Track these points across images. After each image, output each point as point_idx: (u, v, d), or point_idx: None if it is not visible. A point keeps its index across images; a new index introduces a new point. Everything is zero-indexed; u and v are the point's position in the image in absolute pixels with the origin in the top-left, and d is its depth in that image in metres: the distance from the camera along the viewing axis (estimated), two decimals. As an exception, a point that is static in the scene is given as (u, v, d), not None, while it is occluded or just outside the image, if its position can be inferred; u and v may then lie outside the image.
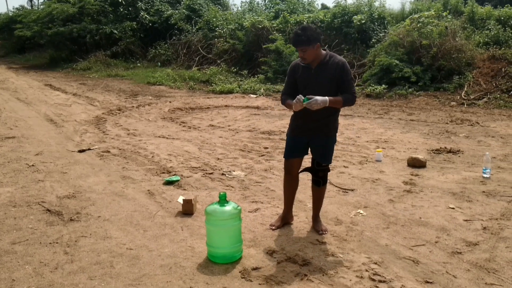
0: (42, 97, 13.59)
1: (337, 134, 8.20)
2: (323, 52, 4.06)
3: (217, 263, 3.70)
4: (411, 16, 14.73)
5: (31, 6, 39.94)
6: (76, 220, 4.60)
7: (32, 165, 6.49)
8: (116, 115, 10.78)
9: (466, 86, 11.94)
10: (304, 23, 16.95)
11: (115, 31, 22.14)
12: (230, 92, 14.24)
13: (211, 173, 6.10)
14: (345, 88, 4.01)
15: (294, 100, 3.93)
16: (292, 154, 4.26)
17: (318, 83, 4.01)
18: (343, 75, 3.98)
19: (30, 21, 24.28)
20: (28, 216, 4.69)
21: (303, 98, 3.85)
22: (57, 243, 4.09)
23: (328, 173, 4.34)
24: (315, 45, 3.90)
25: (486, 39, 13.56)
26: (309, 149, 4.25)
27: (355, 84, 3.89)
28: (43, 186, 5.64)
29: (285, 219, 4.45)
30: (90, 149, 7.44)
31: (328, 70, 4.00)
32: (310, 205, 4.90)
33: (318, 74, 4.03)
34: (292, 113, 4.26)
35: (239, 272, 3.56)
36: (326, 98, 3.87)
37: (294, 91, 4.11)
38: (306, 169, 4.37)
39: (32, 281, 3.46)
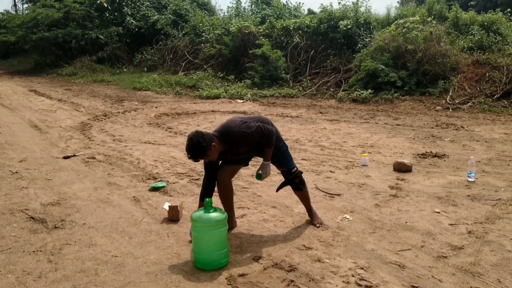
0: (27, 103, 13.46)
1: (324, 139, 8.25)
2: (219, 141, 4.03)
3: (203, 269, 3.67)
4: (396, 22, 14.88)
5: (16, 11, 39.63)
6: (61, 227, 4.55)
7: (16, 172, 6.41)
8: (101, 121, 10.70)
9: (451, 90, 12.07)
10: (291, 28, 17.00)
11: (101, 36, 22.04)
12: (216, 97, 14.23)
13: (197, 179, 6.06)
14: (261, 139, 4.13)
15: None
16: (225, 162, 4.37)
17: (233, 156, 4.22)
18: (249, 143, 4.11)
19: (14, 26, 24.11)
20: (11, 224, 4.62)
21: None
22: (40, 251, 4.04)
23: (302, 174, 4.54)
24: (211, 148, 3.91)
25: (470, 44, 13.73)
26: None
27: (255, 127, 4.08)
28: (27, 193, 5.57)
29: (229, 225, 4.22)
30: (75, 156, 7.37)
31: (236, 148, 4.12)
32: (296, 210, 4.90)
33: (227, 154, 4.15)
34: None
35: (226, 278, 3.53)
36: (265, 163, 4.25)
37: (214, 175, 4.29)
38: (282, 185, 4.59)
39: (15, 290, 3.40)
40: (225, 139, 4.04)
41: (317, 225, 4.49)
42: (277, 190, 4.67)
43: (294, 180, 4.46)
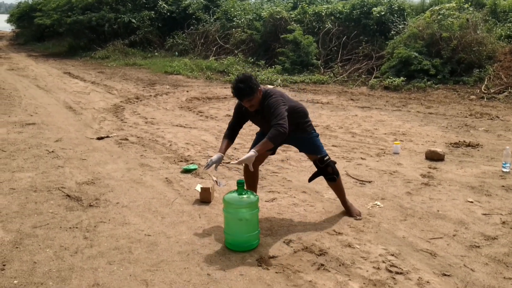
0: (61, 84, 13.73)
1: (355, 126, 8.18)
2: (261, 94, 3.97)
3: (234, 250, 3.72)
4: (431, 8, 14.54)
5: (51, -6, 40.18)
6: (95, 206, 4.67)
7: (52, 151, 6.58)
8: (134, 103, 10.86)
9: (486, 79, 11.78)
10: (323, 13, 16.82)
11: (133, 20, 22.19)
12: (247, 82, 14.21)
13: (228, 162, 6.12)
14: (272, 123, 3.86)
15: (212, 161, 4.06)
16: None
17: (263, 121, 4.10)
18: (269, 112, 3.88)
19: (50, 9, 24.46)
20: (49, 201, 4.77)
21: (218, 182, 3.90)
22: (76, 227, 4.16)
23: (335, 164, 4.34)
24: (257, 92, 3.85)
25: (508, 32, 13.33)
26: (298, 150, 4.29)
27: (282, 114, 3.80)
28: (63, 172, 5.72)
29: None
30: (109, 137, 7.51)
31: (265, 111, 3.96)
32: (326, 196, 4.91)
33: (260, 115, 4.05)
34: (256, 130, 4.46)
35: (256, 260, 3.58)
36: (252, 152, 3.75)
37: (239, 125, 4.26)
38: (315, 176, 4.39)
39: (53, 264, 3.52)
40: (264, 93, 3.96)
41: (357, 217, 4.35)
42: (310, 180, 4.49)
43: (326, 169, 4.24)
